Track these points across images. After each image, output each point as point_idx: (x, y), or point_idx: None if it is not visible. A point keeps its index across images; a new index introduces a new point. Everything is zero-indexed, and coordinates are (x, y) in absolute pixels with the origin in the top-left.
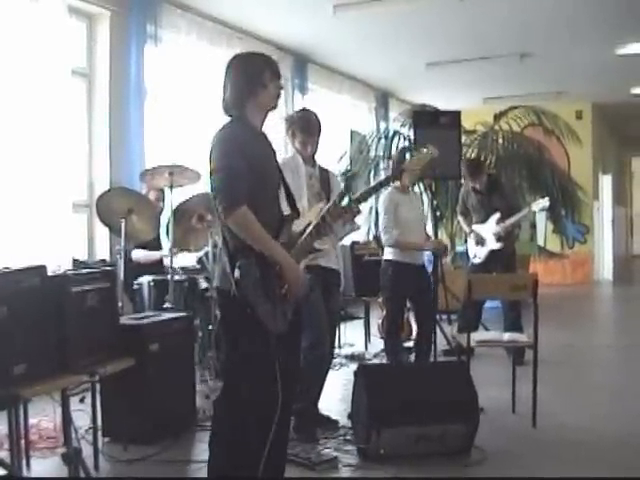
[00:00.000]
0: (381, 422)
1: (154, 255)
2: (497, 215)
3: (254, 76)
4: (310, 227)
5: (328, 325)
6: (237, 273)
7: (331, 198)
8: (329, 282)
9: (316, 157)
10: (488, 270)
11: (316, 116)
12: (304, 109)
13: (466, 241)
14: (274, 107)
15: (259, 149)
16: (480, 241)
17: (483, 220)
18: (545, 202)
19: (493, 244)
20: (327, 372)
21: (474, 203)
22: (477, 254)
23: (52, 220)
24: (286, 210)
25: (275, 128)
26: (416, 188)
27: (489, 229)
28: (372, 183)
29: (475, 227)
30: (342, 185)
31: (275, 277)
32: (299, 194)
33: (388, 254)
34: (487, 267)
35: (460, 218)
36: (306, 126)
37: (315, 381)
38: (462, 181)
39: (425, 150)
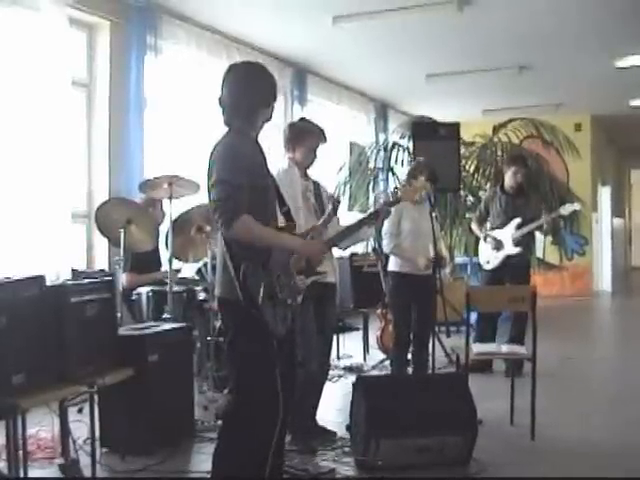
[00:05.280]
0: (379, 433)
1: (149, 278)
2: (518, 220)
3: (262, 92)
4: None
5: (324, 338)
6: (242, 275)
7: (325, 212)
8: (325, 295)
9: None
10: (499, 278)
11: None
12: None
13: (477, 245)
14: (269, 119)
15: (258, 161)
16: (497, 246)
17: (503, 224)
18: (575, 206)
19: (511, 249)
20: (323, 386)
21: (498, 206)
22: (490, 260)
23: (51, 230)
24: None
25: (270, 138)
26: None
27: (508, 233)
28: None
29: (492, 232)
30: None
31: (276, 282)
32: (295, 208)
33: (390, 265)
34: (498, 274)
35: (474, 224)
36: (318, 132)
37: (308, 395)
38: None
39: (414, 182)
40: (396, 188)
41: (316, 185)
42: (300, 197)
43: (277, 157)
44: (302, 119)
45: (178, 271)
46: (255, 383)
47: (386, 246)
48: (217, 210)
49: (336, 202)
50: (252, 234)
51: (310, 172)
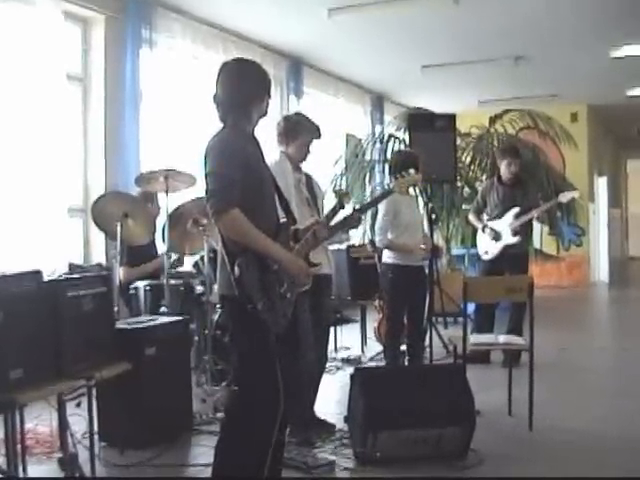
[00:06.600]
0: (377, 425)
1: (145, 268)
2: (516, 209)
3: (256, 88)
4: (306, 235)
5: (320, 330)
6: (237, 271)
7: (318, 204)
8: (320, 288)
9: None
10: (498, 268)
11: None
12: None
13: (474, 236)
14: (264, 115)
15: (255, 156)
16: (496, 236)
17: (500, 215)
18: (574, 194)
19: (509, 238)
20: (320, 378)
21: (496, 197)
22: (488, 250)
23: (48, 225)
24: (281, 216)
25: (266, 131)
26: (411, 191)
27: (506, 223)
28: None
29: (490, 223)
30: (325, 193)
31: (274, 276)
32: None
33: (387, 257)
34: (497, 265)
35: (471, 216)
36: (313, 128)
37: (306, 388)
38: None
39: (405, 174)
40: (390, 181)
41: (308, 178)
42: (293, 190)
43: (272, 150)
44: (297, 113)
45: (179, 261)
46: (255, 378)
47: (379, 242)
48: (209, 201)
49: (344, 196)
50: (239, 230)
51: (304, 164)
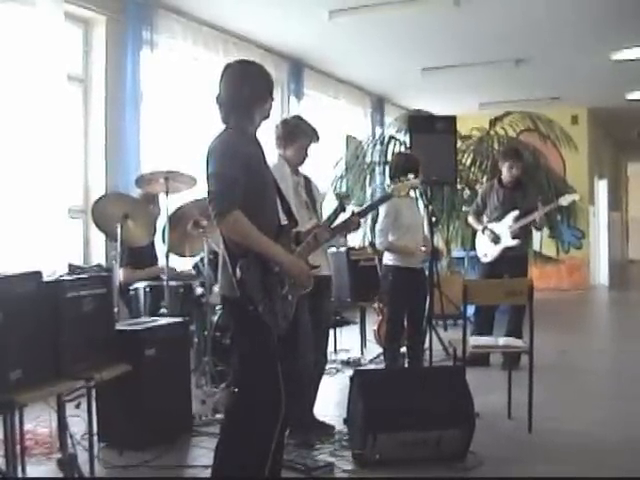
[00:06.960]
0: (377, 427)
1: (147, 273)
2: (516, 212)
3: (259, 90)
4: (308, 238)
5: (320, 332)
6: (238, 272)
7: (317, 207)
8: (319, 289)
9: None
10: (497, 271)
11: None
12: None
13: (474, 238)
14: (267, 117)
15: (257, 158)
16: (495, 239)
17: (500, 217)
18: (574, 196)
19: (508, 241)
20: (320, 379)
21: (496, 200)
22: (488, 253)
23: (48, 225)
24: (283, 219)
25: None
26: (412, 193)
27: (505, 226)
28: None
29: (490, 225)
30: (326, 195)
31: (275, 277)
32: None
33: (388, 259)
34: (496, 267)
35: (471, 218)
36: (312, 131)
37: (305, 389)
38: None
39: (404, 179)
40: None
41: (307, 180)
42: (291, 193)
43: (271, 153)
44: (295, 117)
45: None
46: (256, 380)
47: (380, 244)
48: (211, 202)
49: (344, 198)
50: (241, 232)
51: (303, 166)
